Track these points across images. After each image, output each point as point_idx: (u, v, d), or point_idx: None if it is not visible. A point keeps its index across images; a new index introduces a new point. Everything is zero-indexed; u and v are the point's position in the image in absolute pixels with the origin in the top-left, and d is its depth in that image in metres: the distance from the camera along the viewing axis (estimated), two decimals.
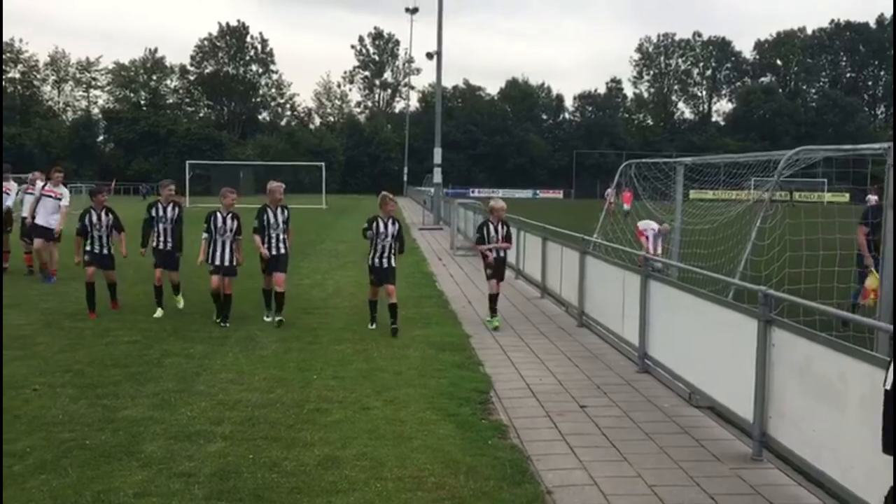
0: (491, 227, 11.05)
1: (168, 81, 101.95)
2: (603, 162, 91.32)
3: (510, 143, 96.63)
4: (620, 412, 7.03)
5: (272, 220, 10.66)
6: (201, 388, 7.45)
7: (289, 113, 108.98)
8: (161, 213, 11.31)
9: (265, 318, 10.79)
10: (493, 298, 10.99)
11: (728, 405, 6.49)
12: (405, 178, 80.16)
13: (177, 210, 11.45)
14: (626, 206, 27.43)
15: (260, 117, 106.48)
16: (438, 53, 35.35)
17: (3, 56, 74.32)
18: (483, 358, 9.01)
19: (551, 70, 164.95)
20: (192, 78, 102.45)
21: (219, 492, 5.04)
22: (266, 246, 10.56)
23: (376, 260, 10.32)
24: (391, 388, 7.53)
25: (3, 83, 63.10)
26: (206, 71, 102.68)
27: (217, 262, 10.51)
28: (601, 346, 9.77)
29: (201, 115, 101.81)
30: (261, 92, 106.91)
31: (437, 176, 34.84)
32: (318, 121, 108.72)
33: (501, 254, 11.15)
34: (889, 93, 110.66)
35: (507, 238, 11.26)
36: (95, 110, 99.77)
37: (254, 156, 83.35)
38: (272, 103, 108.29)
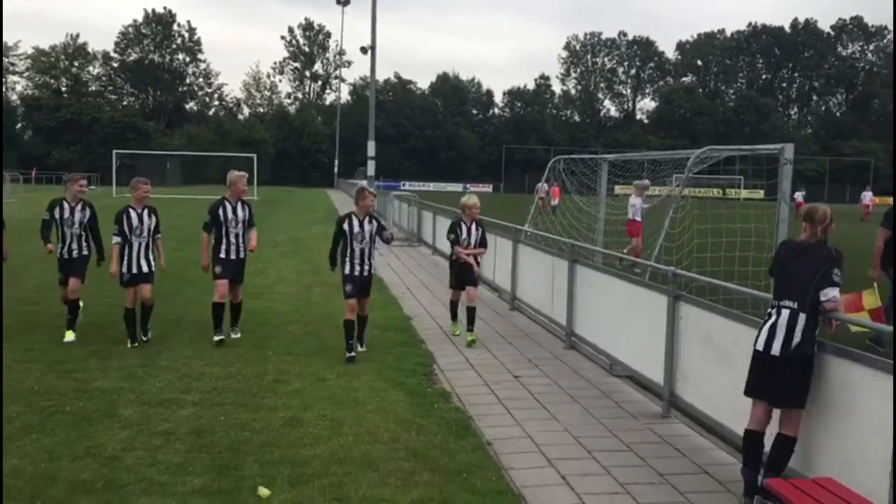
0: (464, 227, 9.55)
1: (90, 68, 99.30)
2: (532, 157, 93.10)
3: (441, 136, 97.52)
4: (550, 381, 7.88)
5: (230, 216, 8.92)
6: (164, 364, 8.00)
7: (217, 103, 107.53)
8: (67, 214, 9.06)
9: (215, 338, 8.84)
10: (470, 310, 9.41)
11: (643, 372, 7.41)
12: (336, 171, 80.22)
13: (88, 211, 9.23)
14: (555, 201, 28.52)
15: (187, 107, 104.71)
16: (372, 48, 35.74)
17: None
18: (424, 337, 9.76)
19: (481, 65, 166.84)
20: (115, 65, 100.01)
21: (198, 446, 5.68)
22: (224, 248, 8.92)
23: (355, 267, 8.45)
24: (343, 363, 8.21)
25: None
26: (131, 58, 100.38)
27: (133, 270, 8.72)
28: (532, 326, 10.64)
29: (125, 103, 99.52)
30: (188, 81, 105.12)
31: (371, 169, 35.33)
32: (247, 111, 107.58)
33: (462, 257, 9.52)
34: (803, 95, 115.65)
35: (483, 242, 9.70)
36: (14, 97, 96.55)
37: (181, 146, 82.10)
38: (200, 93, 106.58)
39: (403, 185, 78.46)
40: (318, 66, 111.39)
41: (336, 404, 6.79)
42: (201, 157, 74.46)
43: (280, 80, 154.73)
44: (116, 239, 8.70)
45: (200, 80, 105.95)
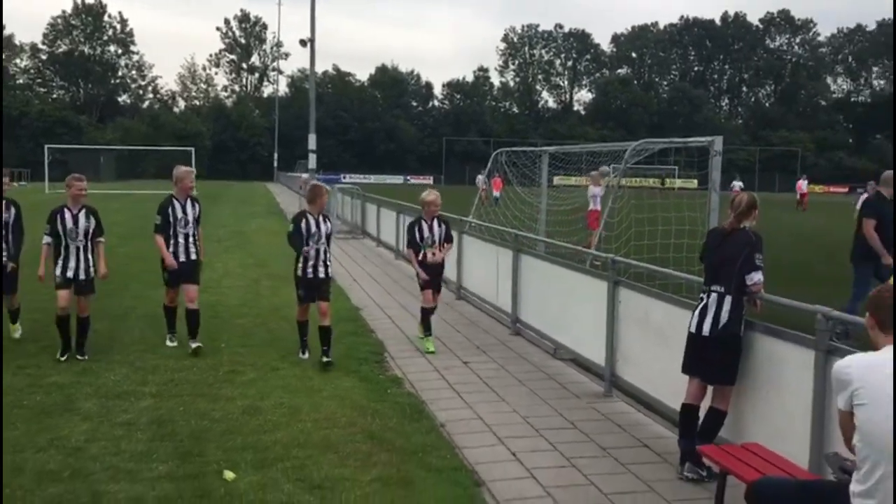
0: (424, 226, 8.84)
1: (17, 60, 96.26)
2: (471, 149, 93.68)
3: (380, 129, 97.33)
4: (497, 366, 8.21)
5: (179, 215, 8.33)
6: (118, 358, 8.06)
7: (151, 96, 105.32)
8: None
9: (168, 343, 8.62)
10: (426, 313, 8.89)
11: (585, 354, 7.80)
12: (275, 164, 79.45)
13: (12, 211, 8.54)
14: (496, 193, 28.93)
15: (120, 100, 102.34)
16: (312, 40, 35.61)
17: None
18: (374, 327, 10.01)
19: (421, 58, 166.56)
20: (44, 57, 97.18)
21: (160, 435, 5.83)
22: (171, 250, 8.33)
23: (309, 269, 7.96)
24: (295, 353, 8.39)
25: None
26: (60, 50, 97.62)
27: (69, 275, 7.90)
28: (478, 314, 10.96)
29: (55, 96, 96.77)
30: (120, 73, 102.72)
31: (312, 162, 35.25)
32: (182, 104, 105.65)
33: (428, 258, 8.83)
34: (733, 86, 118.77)
35: (448, 238, 9.05)
36: None
37: (115, 140, 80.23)
38: (133, 85, 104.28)
39: (344, 177, 78.13)
40: (255, 59, 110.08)
41: (292, 392, 6.99)
42: (136, 152, 72.87)
43: (216, 73, 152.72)
44: (47, 239, 7.92)
45: (133, 72, 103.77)
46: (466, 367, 8.09)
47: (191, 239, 8.44)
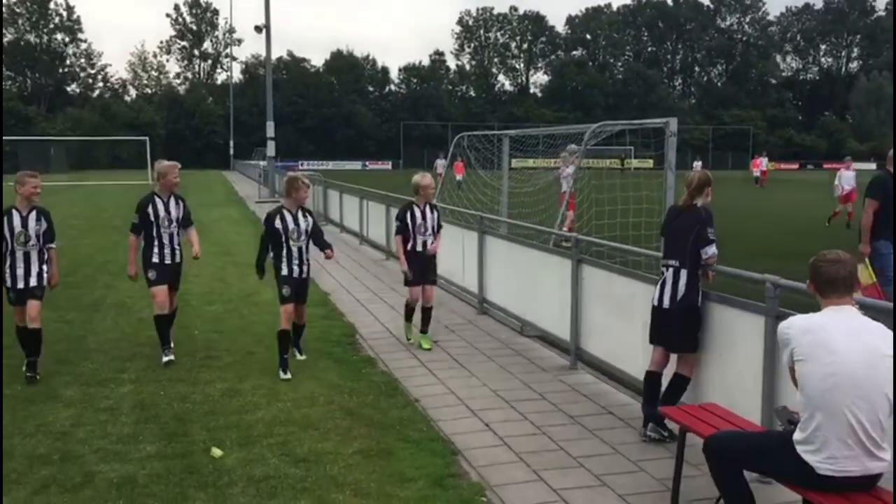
0: (417, 212, 8.16)
1: None
2: (429, 133, 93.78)
3: (337, 114, 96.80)
4: (466, 343, 8.50)
5: (162, 213, 7.65)
6: (93, 347, 8.19)
7: (101, 85, 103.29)
8: None
9: (164, 359, 7.58)
10: (410, 310, 8.44)
11: (551, 330, 8.13)
12: (231, 152, 78.68)
13: None
14: (459, 177, 29.13)
15: (69, 89, 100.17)
16: (267, 27, 35.47)
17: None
18: (343, 310, 10.23)
19: (376, 42, 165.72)
20: None
21: (144, 418, 6.02)
22: (157, 251, 7.63)
23: (294, 268, 7.27)
24: (269, 338, 8.51)
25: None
26: (5, 39, 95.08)
27: (20, 285, 6.99)
28: (445, 296, 11.22)
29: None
30: (68, 62, 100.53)
31: (271, 149, 35.23)
32: (133, 93, 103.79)
33: (428, 248, 8.23)
34: (686, 66, 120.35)
35: (440, 225, 8.41)
36: None
37: (65, 130, 78.64)
38: (82, 74, 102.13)
39: (302, 164, 77.67)
40: (207, 45, 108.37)
41: (269, 374, 7.19)
42: (88, 142, 71.66)
43: (168, 60, 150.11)
44: None
45: (82, 60, 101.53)
46: (437, 346, 8.36)
47: (175, 240, 7.75)
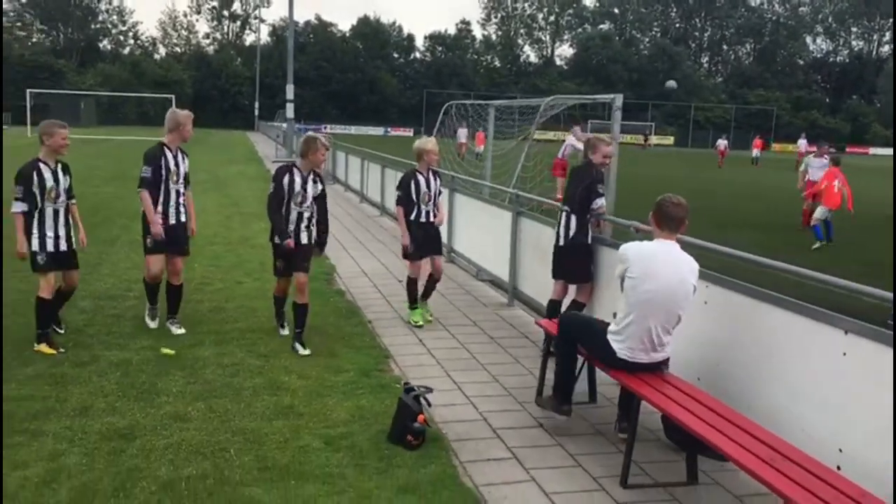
0: (421, 179, 7.69)
1: None
2: (452, 101, 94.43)
3: (362, 80, 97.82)
4: None
5: (173, 167, 6.91)
6: (106, 272, 9.59)
7: (132, 42, 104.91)
8: None
9: (150, 324, 7.32)
10: (412, 283, 7.87)
11: (496, 273, 9.41)
12: (256, 113, 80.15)
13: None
14: (479, 148, 29.31)
15: (100, 45, 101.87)
16: None
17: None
18: (331, 256, 11.54)
19: (403, 9, 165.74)
20: (23, 1, 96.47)
21: (141, 323, 7.37)
22: (161, 209, 6.94)
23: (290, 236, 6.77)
24: (258, 272, 9.92)
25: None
26: None
27: (50, 248, 6.45)
28: None
29: (35, 40, 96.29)
30: (100, 18, 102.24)
31: (290, 111, 36.47)
32: (163, 51, 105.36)
33: (431, 218, 7.78)
34: (713, 44, 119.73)
35: (439, 193, 7.91)
36: None
37: (95, 85, 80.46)
38: (113, 31, 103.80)
39: (325, 128, 79.01)
40: (236, 6, 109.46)
41: (252, 298, 8.55)
42: (118, 98, 73.37)
43: (197, 20, 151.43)
44: (21, 206, 6.34)
45: (114, 17, 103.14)
46: (399, 284, 9.66)
47: (181, 198, 7.08)
